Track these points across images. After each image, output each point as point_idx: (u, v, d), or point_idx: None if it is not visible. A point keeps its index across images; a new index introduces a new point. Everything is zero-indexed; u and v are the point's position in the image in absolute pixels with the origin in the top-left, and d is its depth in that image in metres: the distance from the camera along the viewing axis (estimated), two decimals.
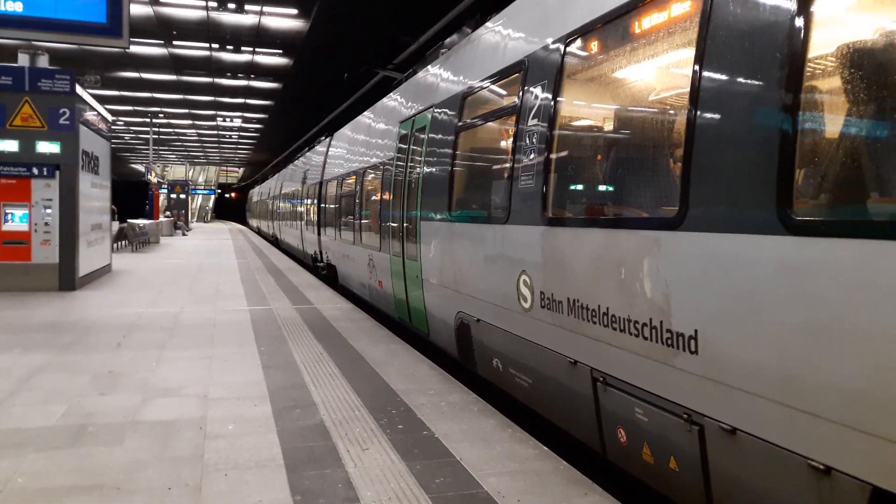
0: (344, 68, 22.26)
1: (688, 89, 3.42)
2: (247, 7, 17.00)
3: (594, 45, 4.61)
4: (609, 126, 4.81)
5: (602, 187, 4.60)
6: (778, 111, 2.82)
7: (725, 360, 3.09)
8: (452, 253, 6.70)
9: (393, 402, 5.52)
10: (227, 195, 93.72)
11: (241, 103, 32.82)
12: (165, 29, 19.60)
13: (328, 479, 3.92)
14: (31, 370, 6.37)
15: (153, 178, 40.82)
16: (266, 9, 17.51)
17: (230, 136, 48.38)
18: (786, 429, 2.77)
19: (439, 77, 8.00)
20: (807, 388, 2.66)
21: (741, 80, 3.10)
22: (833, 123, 2.80)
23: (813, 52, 2.76)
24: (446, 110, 7.29)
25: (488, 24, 6.75)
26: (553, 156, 4.78)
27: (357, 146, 12.72)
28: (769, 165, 2.83)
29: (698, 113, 3.30)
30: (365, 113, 12.69)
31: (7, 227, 11.94)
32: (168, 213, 44.76)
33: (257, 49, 21.69)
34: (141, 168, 62.75)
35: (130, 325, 8.84)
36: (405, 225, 8.36)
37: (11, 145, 11.87)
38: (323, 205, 15.92)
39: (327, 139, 17.40)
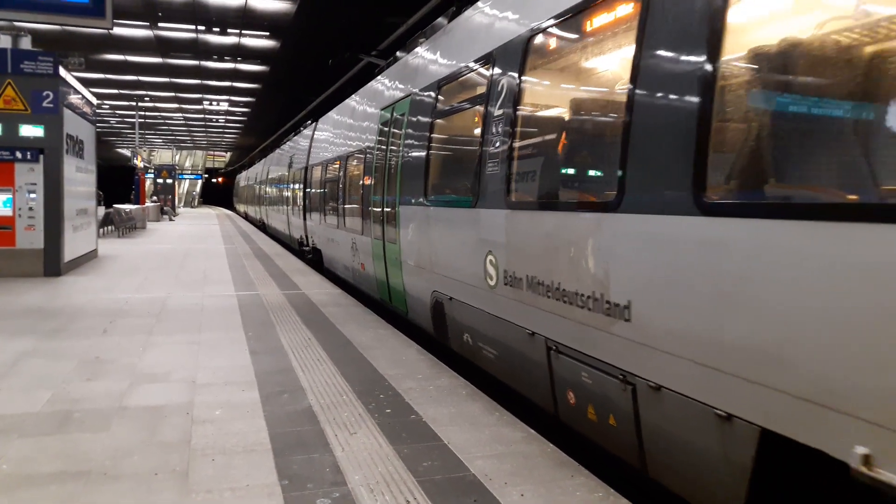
0: (331, 50, 22.07)
1: (624, 90, 3.86)
2: None
3: (553, 42, 4.96)
4: (561, 118, 5.19)
5: (554, 174, 5.00)
6: (691, 110, 3.25)
7: (652, 326, 3.55)
8: (428, 236, 7.07)
9: (381, 387, 5.53)
10: (214, 180, 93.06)
11: (228, 86, 32.50)
12: (150, 10, 19.32)
13: (316, 464, 3.92)
14: (15, 356, 6.32)
15: (139, 163, 40.39)
16: None
17: (217, 120, 47.96)
18: (698, 384, 3.24)
19: (418, 65, 8.27)
20: (714, 348, 3.11)
21: (661, 84, 3.57)
22: (736, 121, 3.29)
23: (718, 60, 3.17)
24: (423, 98, 7.57)
25: (463, 15, 7.06)
26: (514, 144, 5.17)
27: (342, 131, 12.91)
28: (686, 156, 3.26)
29: (630, 109, 3.74)
30: (349, 98, 12.88)
31: None
32: (155, 198, 44.43)
33: (244, 31, 21.45)
34: (127, 152, 62.13)
35: (117, 311, 8.78)
36: (386, 209, 8.68)
37: None
38: (308, 190, 16.18)
39: (313, 124, 17.64)
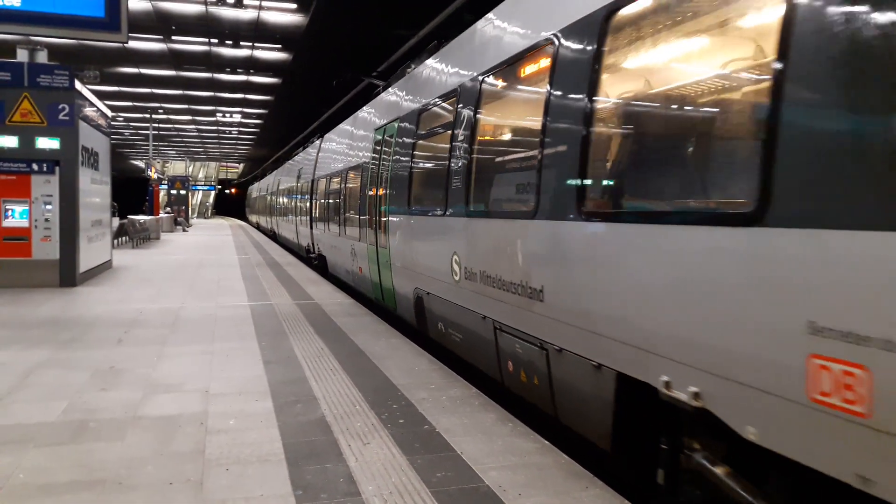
0: (343, 62, 22.22)
1: (536, 131, 5.05)
2: (245, 1, 16.95)
3: (500, 80, 6.11)
4: (505, 143, 6.30)
5: (496, 189, 6.10)
6: (574, 145, 4.44)
7: (556, 304, 4.69)
8: (411, 240, 8.29)
9: (394, 397, 5.52)
10: (227, 191, 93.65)
11: (241, 98, 32.77)
12: (164, 24, 19.54)
13: (329, 474, 3.92)
14: (32, 366, 6.37)
15: (153, 174, 40.77)
16: (265, 3, 17.47)
17: (230, 132, 48.34)
18: (583, 345, 4.36)
19: (403, 94, 9.60)
20: (590, 317, 4.24)
21: (556, 124, 4.76)
22: (598, 161, 4.44)
23: (584, 121, 4.35)
24: (407, 123, 8.84)
25: (440, 51, 8.34)
26: (471, 164, 6.35)
27: (342, 148, 14.26)
28: (573, 181, 4.46)
29: (540, 145, 4.91)
30: (349, 119, 14.24)
31: (7, 223, 11.93)
32: (168, 209, 44.76)
33: (256, 44, 21.65)
34: (141, 164, 62.74)
35: (131, 321, 8.84)
36: (378, 218, 9.88)
37: (11, 141, 11.85)
38: (314, 201, 17.51)
39: (318, 140, 18.98)
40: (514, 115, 6.13)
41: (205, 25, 19.60)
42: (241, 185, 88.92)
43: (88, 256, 13.36)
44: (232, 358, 6.84)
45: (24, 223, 12.00)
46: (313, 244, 17.65)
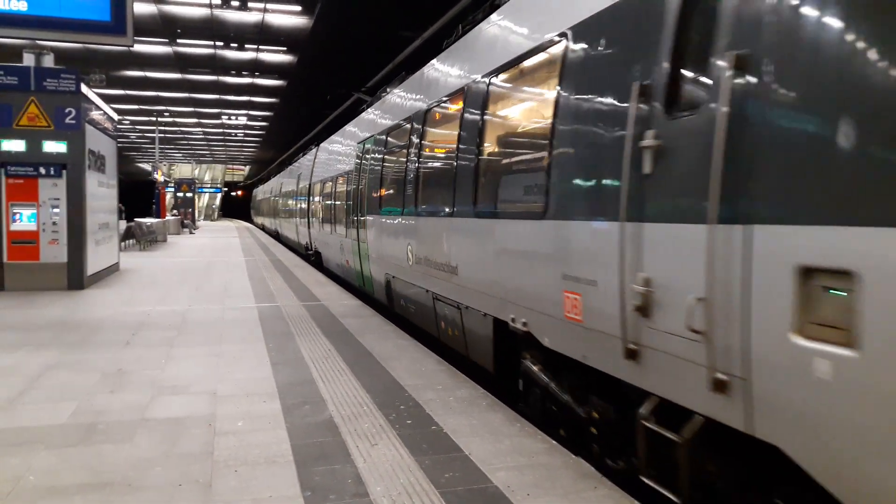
0: (347, 64, 22.25)
1: (452, 154, 7.13)
2: (250, 4, 16.98)
3: (436, 113, 8.07)
4: (438, 161, 7.99)
5: (431, 195, 7.88)
6: (468, 169, 6.48)
7: (464, 275, 6.58)
8: (381, 236, 10.26)
9: (401, 398, 5.52)
10: (233, 193, 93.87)
11: (246, 101, 32.84)
12: (170, 27, 19.60)
13: (338, 475, 3.92)
14: (40, 369, 6.40)
15: (160, 177, 40.89)
16: (269, 6, 17.50)
17: (236, 134, 48.44)
18: (478, 302, 6.24)
19: (377, 115, 11.69)
20: (478, 282, 6.17)
21: (462, 147, 6.73)
22: (482, 176, 6.27)
23: (476, 152, 6.43)
24: (381, 138, 10.75)
25: (404, 82, 10.29)
26: (417, 175, 8.31)
27: (333, 157, 16.30)
28: (473, 190, 6.33)
29: (457, 164, 6.80)
30: (338, 132, 16.40)
31: (15, 226, 11.99)
32: (175, 211, 44.88)
33: (261, 46, 21.68)
34: (147, 167, 62.95)
35: (139, 324, 8.87)
36: (359, 218, 11.84)
37: (18, 145, 11.90)
38: (310, 203, 19.49)
39: (314, 149, 21.16)
40: (442, 142, 7.92)
41: (210, 28, 19.65)
42: (247, 188, 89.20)
43: (96, 259, 13.41)
44: (239, 360, 6.86)
45: (33, 226, 12.05)
46: (310, 242, 19.68)
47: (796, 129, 2.76)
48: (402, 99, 9.94)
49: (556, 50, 4.86)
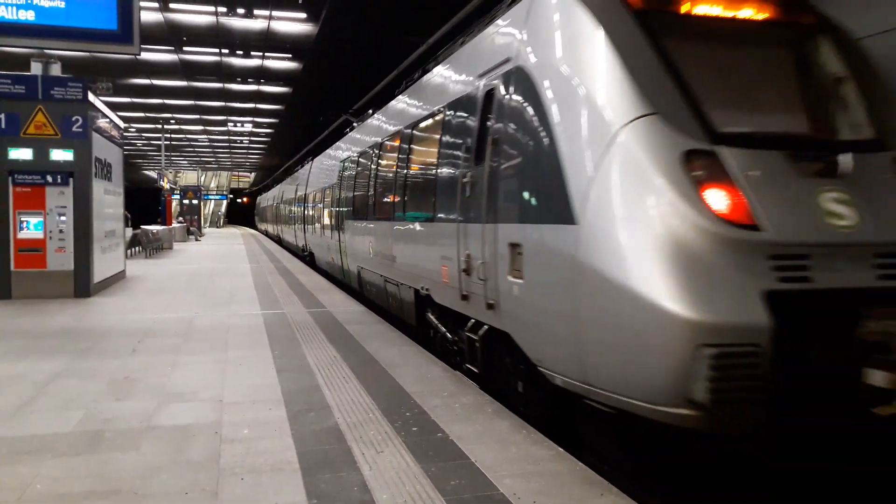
0: (353, 70, 22.32)
1: (391, 175, 10.14)
2: (256, 12, 17.07)
3: (387, 145, 10.73)
4: (382, 181, 10.73)
5: (381, 205, 10.57)
6: (392, 184, 9.87)
7: (398, 262, 9.19)
8: (354, 237, 12.89)
9: (407, 405, 5.52)
10: (239, 200, 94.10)
11: (252, 108, 32.98)
12: (176, 35, 19.71)
13: (344, 482, 3.92)
14: (48, 376, 6.43)
15: (165, 184, 41.06)
16: (275, 13, 17.58)
17: (241, 141, 48.63)
18: (405, 279, 8.93)
19: (355, 139, 14.59)
20: (408, 265, 8.74)
21: (398, 171, 9.65)
22: (406, 188, 9.07)
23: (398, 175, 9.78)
24: (353, 159, 13.74)
25: (374, 115, 13.33)
26: (374, 189, 11.09)
27: (322, 171, 19.10)
28: (401, 201, 9.21)
29: (395, 182, 9.65)
30: (328, 149, 19.32)
31: (22, 234, 12.04)
32: (181, 218, 45.03)
33: (266, 54, 21.78)
34: (153, 174, 63.19)
35: (145, 331, 8.89)
36: (340, 223, 14.59)
37: (26, 153, 11.97)
38: (305, 210, 22.21)
39: (310, 162, 24.22)
40: (388, 167, 10.39)
41: (215, 36, 19.76)
42: (252, 194, 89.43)
43: (102, 267, 13.46)
44: (245, 367, 6.87)
45: (39, 234, 12.10)
46: (306, 244, 22.39)
47: (508, 181, 5.62)
48: (366, 131, 13.27)
49: (439, 117, 7.86)
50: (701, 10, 5.14)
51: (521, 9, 5.93)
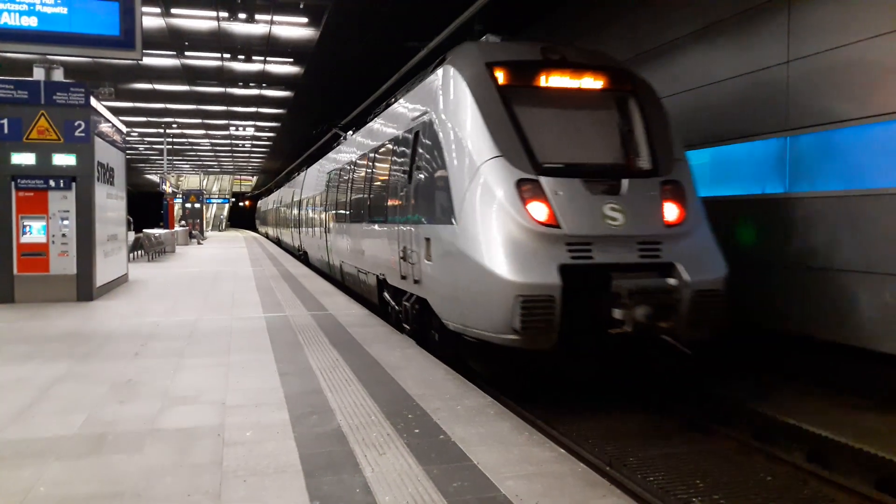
0: (354, 74, 22.37)
1: (346, 195, 15.05)
2: (257, 17, 17.10)
3: (356, 164, 13.76)
4: (355, 190, 13.43)
5: (353, 211, 13.38)
6: (364, 195, 12.51)
7: (365, 256, 12.16)
8: (336, 237, 15.76)
9: (409, 407, 5.53)
10: (241, 203, 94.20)
11: (254, 112, 33.02)
12: (177, 40, 19.75)
13: (346, 485, 3.93)
14: (51, 380, 6.45)
15: (168, 188, 41.12)
16: (276, 18, 17.61)
17: (243, 145, 48.70)
18: (371, 268, 11.62)
19: (335, 156, 18.00)
20: (369, 258, 11.83)
21: (365, 185, 12.63)
22: (369, 197, 12.04)
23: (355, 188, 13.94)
24: (335, 172, 16.80)
25: (346, 141, 17.25)
26: (348, 198, 14.14)
27: (313, 181, 21.96)
28: (366, 207, 12.13)
29: (368, 188, 12.24)
30: (318, 161, 22.48)
31: (25, 238, 12.07)
32: (183, 222, 45.08)
33: (268, 58, 21.83)
34: (156, 178, 63.30)
35: (148, 335, 8.91)
36: (327, 225, 17.59)
37: (29, 158, 12.00)
38: (301, 214, 25.03)
39: (304, 171, 27.36)
40: (358, 181, 13.28)
41: (217, 41, 19.79)
42: (254, 198, 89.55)
43: (105, 270, 13.49)
44: (248, 370, 6.88)
45: (42, 238, 12.13)
46: (301, 244, 25.17)
47: (423, 196, 8.32)
48: (343, 151, 16.80)
49: (389, 146, 10.53)
50: (542, 82, 7.81)
51: (436, 76, 8.61)
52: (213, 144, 47.94)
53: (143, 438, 4.77)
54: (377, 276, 11.08)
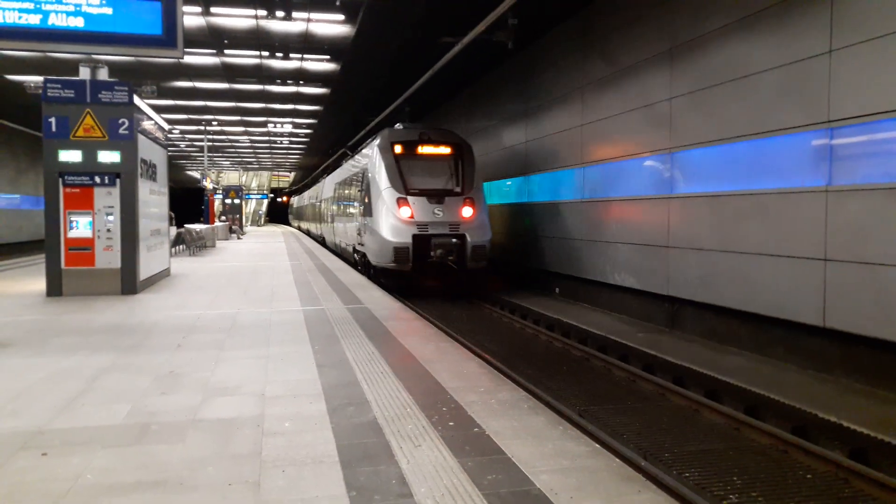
0: (389, 70, 22.47)
1: (325, 199, 31.67)
2: (294, 15, 17.28)
3: (344, 182, 25.32)
4: (347, 199, 23.77)
5: (343, 210, 24.69)
6: (349, 204, 23.46)
7: (349, 235, 22.33)
8: (337, 226, 26.35)
9: (443, 400, 5.57)
10: (279, 199, 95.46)
11: (291, 109, 33.38)
12: (217, 38, 20.07)
13: (382, 475, 3.98)
14: (97, 371, 6.64)
15: (208, 184, 41.88)
16: (313, 15, 17.76)
17: (281, 142, 49.27)
18: (349, 242, 22.38)
19: (339, 173, 28.52)
20: (353, 238, 21.44)
21: (351, 199, 22.97)
22: (356, 206, 21.70)
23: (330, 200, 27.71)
24: (339, 185, 26.51)
25: (335, 171, 32.13)
26: (341, 202, 25.39)
27: (329, 187, 31.01)
28: (349, 208, 23.36)
29: (349, 198, 23.43)
30: (335, 172, 31.42)
31: (72, 233, 12.43)
32: (223, 217, 45.87)
33: (305, 55, 22.05)
34: (196, 174, 64.47)
35: (190, 327, 9.11)
36: (334, 219, 27.35)
37: (75, 155, 12.34)
38: (321, 210, 34.85)
39: (326, 177, 36.40)
40: (343, 193, 24.50)
41: (256, 39, 20.06)
42: (291, 193, 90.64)
43: (148, 265, 13.82)
44: (286, 362, 7.00)
45: (88, 233, 12.48)
46: (321, 232, 35.07)
47: (365, 204, 18.65)
48: (338, 173, 28.03)
49: (357, 175, 20.87)
50: (417, 150, 17.63)
51: (371, 144, 19.20)
52: (251, 141, 48.60)
53: (185, 428, 4.89)
54: (353, 246, 21.06)
